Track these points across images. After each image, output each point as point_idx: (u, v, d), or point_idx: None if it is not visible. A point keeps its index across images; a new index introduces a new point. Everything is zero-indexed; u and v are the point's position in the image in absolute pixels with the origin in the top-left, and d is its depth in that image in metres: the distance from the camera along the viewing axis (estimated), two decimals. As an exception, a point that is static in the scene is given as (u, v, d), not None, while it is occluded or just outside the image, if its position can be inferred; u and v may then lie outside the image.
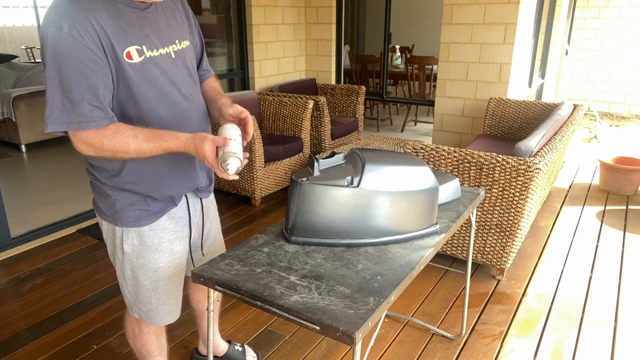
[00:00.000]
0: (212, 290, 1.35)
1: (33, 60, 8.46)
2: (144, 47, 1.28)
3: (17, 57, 7.68)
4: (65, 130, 1.21)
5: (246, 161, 1.31)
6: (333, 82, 5.30)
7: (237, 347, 2.09)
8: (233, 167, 1.25)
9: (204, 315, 1.93)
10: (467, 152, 2.55)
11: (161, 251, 1.48)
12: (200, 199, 1.59)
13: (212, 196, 1.69)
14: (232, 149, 1.26)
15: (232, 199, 3.98)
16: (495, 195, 2.54)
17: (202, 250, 1.68)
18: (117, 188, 1.40)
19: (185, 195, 1.53)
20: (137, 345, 1.69)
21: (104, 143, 1.23)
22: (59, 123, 1.20)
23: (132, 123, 1.30)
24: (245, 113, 1.45)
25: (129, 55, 1.25)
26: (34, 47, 8.92)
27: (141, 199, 1.42)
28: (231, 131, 1.32)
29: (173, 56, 1.37)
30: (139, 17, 1.29)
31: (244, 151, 1.31)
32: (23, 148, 5.26)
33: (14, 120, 5.03)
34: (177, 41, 1.40)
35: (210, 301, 1.39)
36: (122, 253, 1.47)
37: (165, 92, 1.35)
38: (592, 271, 2.86)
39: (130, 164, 1.36)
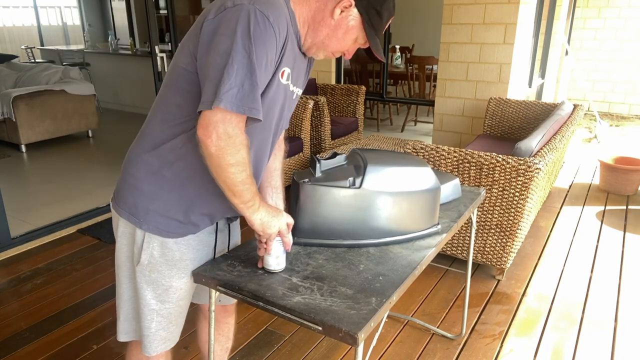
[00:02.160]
0: (213, 291, 1.35)
1: (33, 60, 8.45)
2: (292, 75, 1.28)
3: (17, 57, 7.67)
4: (235, 111, 1.10)
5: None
6: (333, 82, 5.30)
7: None
8: (272, 264, 1.31)
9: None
10: (467, 152, 2.55)
11: (179, 269, 1.35)
12: (229, 223, 1.49)
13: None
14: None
15: (232, 199, 3.97)
16: (495, 195, 2.54)
17: None
18: (159, 186, 1.28)
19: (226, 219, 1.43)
20: None
21: (237, 141, 1.14)
22: (232, 102, 1.09)
23: None
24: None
25: (282, 74, 1.23)
26: (34, 47, 8.91)
27: (180, 207, 1.30)
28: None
29: (294, 97, 1.37)
30: (300, 59, 1.31)
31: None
32: (23, 148, 5.26)
33: (14, 120, 5.03)
34: (300, 87, 1.38)
35: (211, 301, 1.39)
36: (138, 262, 1.34)
37: (275, 119, 1.32)
38: (592, 271, 2.86)
39: (189, 160, 1.25)
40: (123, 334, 1.46)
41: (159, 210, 1.29)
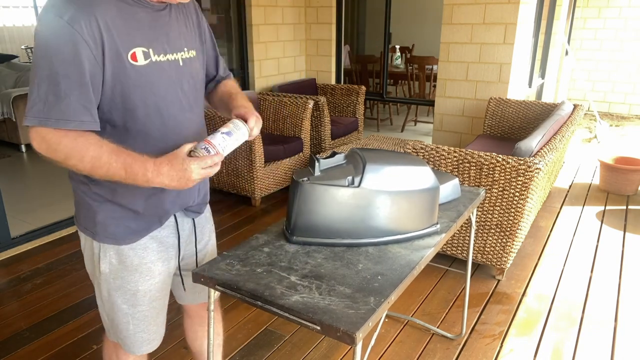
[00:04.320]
0: (212, 290, 1.35)
1: (33, 60, 8.46)
2: (150, 50, 1.18)
3: (17, 57, 7.67)
4: (43, 125, 1.08)
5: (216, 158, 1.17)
6: (333, 82, 5.30)
7: None
8: (199, 152, 1.15)
9: (201, 355, 1.75)
10: (467, 152, 2.55)
11: (141, 273, 1.33)
12: (193, 219, 1.45)
13: (207, 214, 1.54)
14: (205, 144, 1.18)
15: (232, 199, 3.97)
16: (495, 195, 2.54)
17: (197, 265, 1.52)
18: (101, 197, 1.26)
19: (174, 215, 1.38)
20: None
21: (61, 142, 1.09)
22: (38, 117, 1.07)
23: (116, 132, 1.19)
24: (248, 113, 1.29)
25: (134, 57, 1.14)
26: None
27: (125, 214, 1.27)
28: (225, 128, 1.23)
29: (181, 64, 1.27)
30: (151, 18, 1.19)
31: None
32: (23, 148, 5.26)
33: (14, 120, 5.03)
34: (185, 49, 1.29)
35: (210, 301, 1.39)
36: (99, 272, 1.33)
37: (167, 100, 1.23)
38: (592, 271, 2.86)
39: None
40: (113, 336, 1.48)
41: (104, 220, 1.28)
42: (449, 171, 2.62)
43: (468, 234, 2.71)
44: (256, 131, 1.30)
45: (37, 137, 1.10)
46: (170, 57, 1.24)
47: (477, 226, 2.66)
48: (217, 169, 1.18)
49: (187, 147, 1.16)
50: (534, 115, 3.96)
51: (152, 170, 1.13)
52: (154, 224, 1.33)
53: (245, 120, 1.28)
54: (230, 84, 1.50)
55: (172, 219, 1.38)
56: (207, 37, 1.42)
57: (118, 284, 1.34)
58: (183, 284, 1.52)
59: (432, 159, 2.64)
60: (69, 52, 1.06)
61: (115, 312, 1.38)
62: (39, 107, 1.07)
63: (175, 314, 2.45)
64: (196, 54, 1.33)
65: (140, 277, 1.34)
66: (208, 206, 1.54)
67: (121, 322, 1.39)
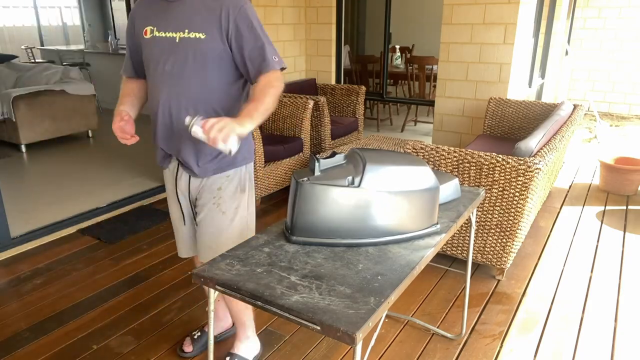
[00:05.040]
0: (212, 290, 1.35)
1: (33, 60, 8.44)
2: (155, 28, 1.65)
3: (17, 57, 7.66)
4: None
5: None
6: (333, 82, 5.30)
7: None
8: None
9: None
10: (467, 152, 2.55)
11: (168, 194, 1.91)
12: (189, 176, 1.79)
13: (215, 191, 1.79)
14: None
15: (232, 199, 3.97)
16: (495, 195, 2.54)
17: (195, 220, 1.88)
18: None
19: (179, 163, 1.78)
20: None
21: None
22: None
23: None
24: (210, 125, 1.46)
25: (145, 33, 1.67)
26: (34, 47, 8.91)
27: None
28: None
29: (177, 40, 1.63)
30: (164, 7, 1.65)
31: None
32: (23, 148, 5.26)
33: (14, 120, 5.03)
34: (186, 30, 1.61)
35: (210, 301, 1.39)
36: None
37: (155, 64, 1.67)
38: (592, 271, 2.86)
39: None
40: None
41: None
42: (449, 171, 2.62)
43: (468, 234, 2.71)
44: (216, 135, 1.42)
45: None
46: (167, 34, 1.64)
47: (477, 226, 2.66)
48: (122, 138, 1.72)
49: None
50: (534, 115, 3.96)
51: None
52: (164, 158, 1.81)
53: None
54: (258, 88, 1.62)
55: (176, 166, 1.80)
56: (241, 29, 1.62)
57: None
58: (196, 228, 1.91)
59: (432, 159, 2.64)
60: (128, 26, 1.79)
61: None
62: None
63: (176, 314, 2.45)
64: (205, 37, 1.62)
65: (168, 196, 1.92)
66: (219, 193, 1.79)
67: None
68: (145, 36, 1.67)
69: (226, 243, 1.77)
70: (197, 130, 1.44)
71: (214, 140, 1.40)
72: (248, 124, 1.48)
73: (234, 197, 1.81)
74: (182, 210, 1.89)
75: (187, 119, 1.46)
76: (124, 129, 1.70)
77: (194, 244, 1.93)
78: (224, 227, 1.81)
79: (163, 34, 1.64)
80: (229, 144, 1.42)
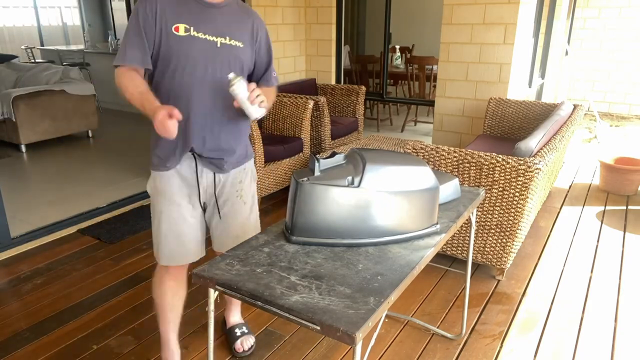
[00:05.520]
0: (212, 290, 1.35)
1: (33, 60, 8.44)
2: (192, 27, 1.65)
3: (17, 57, 7.67)
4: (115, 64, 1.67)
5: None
6: (333, 82, 5.30)
7: (237, 331, 2.21)
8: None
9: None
10: (467, 152, 2.55)
11: (163, 197, 1.80)
12: (214, 173, 1.82)
13: (237, 184, 1.89)
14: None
15: (232, 199, 3.97)
16: (495, 195, 2.54)
17: (219, 215, 1.90)
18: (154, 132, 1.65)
19: (195, 160, 1.77)
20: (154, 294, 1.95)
21: (120, 75, 1.65)
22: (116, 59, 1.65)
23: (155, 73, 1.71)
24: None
25: (176, 29, 1.64)
26: (34, 47, 8.91)
27: (153, 145, 1.77)
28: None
29: (218, 45, 1.68)
30: (200, 9, 1.67)
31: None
32: (23, 148, 5.26)
33: (14, 120, 5.03)
34: (227, 37, 1.69)
35: (210, 301, 1.39)
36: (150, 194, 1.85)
37: (192, 65, 1.66)
38: (592, 271, 2.86)
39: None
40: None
41: (152, 149, 1.79)
42: (449, 171, 2.62)
43: (468, 234, 2.71)
44: (258, 98, 1.59)
45: (116, 74, 1.69)
46: (208, 37, 1.67)
47: (477, 226, 2.66)
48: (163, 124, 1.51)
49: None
50: (534, 116, 3.96)
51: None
52: (170, 161, 1.75)
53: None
54: (269, 90, 1.83)
55: (193, 163, 1.78)
56: (263, 46, 1.83)
57: (153, 202, 1.83)
58: (211, 225, 1.93)
59: (432, 159, 2.64)
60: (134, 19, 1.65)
61: (154, 226, 1.86)
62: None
63: (175, 314, 2.45)
64: (243, 46, 1.74)
65: (162, 200, 1.81)
66: (241, 185, 1.90)
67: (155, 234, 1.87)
68: (176, 32, 1.63)
69: (249, 230, 1.93)
70: (241, 87, 1.55)
71: (254, 99, 1.57)
72: (269, 104, 1.69)
73: (250, 187, 1.97)
74: (182, 212, 1.81)
75: (232, 75, 1.56)
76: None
77: (201, 243, 1.92)
78: (245, 215, 1.95)
79: (202, 36, 1.66)
80: (262, 111, 1.62)
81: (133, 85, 1.62)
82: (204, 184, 1.83)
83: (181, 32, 1.64)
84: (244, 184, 1.93)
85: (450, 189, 1.82)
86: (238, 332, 2.21)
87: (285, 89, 4.76)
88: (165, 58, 1.66)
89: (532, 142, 2.67)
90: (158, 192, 1.80)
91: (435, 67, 5.75)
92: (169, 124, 1.48)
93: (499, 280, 2.75)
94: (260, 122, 4.34)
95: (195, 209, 1.84)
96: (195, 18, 1.65)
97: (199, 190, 1.82)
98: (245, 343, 2.17)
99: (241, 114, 1.67)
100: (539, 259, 3.01)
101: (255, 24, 1.79)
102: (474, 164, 2.53)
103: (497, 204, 2.56)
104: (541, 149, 2.66)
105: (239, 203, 1.92)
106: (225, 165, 1.83)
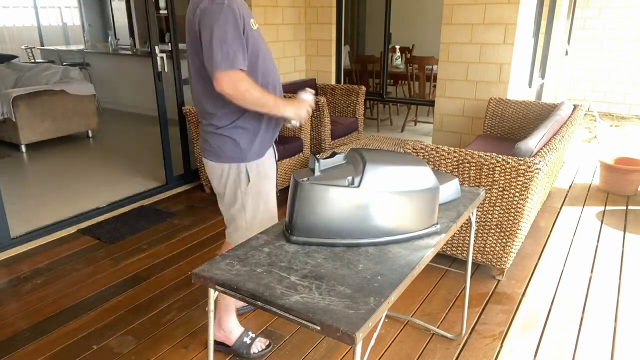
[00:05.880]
0: (212, 290, 1.35)
1: (33, 60, 8.44)
2: (252, 21, 1.80)
3: (17, 57, 7.67)
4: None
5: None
6: (333, 82, 5.30)
7: (246, 339, 2.16)
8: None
9: None
10: (467, 152, 2.55)
11: (270, 175, 2.03)
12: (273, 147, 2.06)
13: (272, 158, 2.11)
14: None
15: (232, 199, 3.97)
16: (495, 195, 2.54)
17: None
18: (239, 128, 1.86)
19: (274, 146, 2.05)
20: None
21: (244, 78, 1.73)
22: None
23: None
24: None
25: (252, 24, 1.79)
26: (34, 47, 8.91)
27: (256, 136, 1.91)
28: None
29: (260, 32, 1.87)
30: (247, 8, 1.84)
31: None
32: (23, 148, 5.26)
33: (14, 120, 5.03)
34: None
35: (210, 301, 1.39)
36: (246, 185, 1.95)
37: (264, 54, 1.84)
38: (592, 271, 2.86)
39: (243, 113, 1.85)
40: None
41: (246, 146, 1.92)
42: (449, 171, 2.62)
43: (468, 234, 2.71)
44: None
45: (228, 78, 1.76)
46: (256, 27, 1.84)
47: (477, 226, 2.66)
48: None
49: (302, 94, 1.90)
50: (534, 116, 3.96)
51: (284, 105, 1.84)
52: (269, 141, 1.96)
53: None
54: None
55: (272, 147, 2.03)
56: None
57: (255, 190, 1.97)
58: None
59: (432, 159, 2.64)
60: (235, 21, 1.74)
61: (256, 214, 2.03)
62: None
63: (176, 314, 2.45)
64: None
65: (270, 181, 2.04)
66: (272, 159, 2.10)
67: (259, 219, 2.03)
68: (253, 28, 1.79)
69: None
70: (309, 97, 1.90)
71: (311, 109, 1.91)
72: None
73: None
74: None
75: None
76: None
77: None
78: None
79: (257, 27, 1.84)
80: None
81: (259, 86, 1.77)
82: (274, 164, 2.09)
83: (255, 27, 1.81)
84: None
85: (450, 189, 1.81)
86: (248, 340, 2.18)
87: (285, 89, 4.74)
88: (254, 54, 1.79)
89: (532, 142, 2.67)
90: (264, 176, 1.99)
91: (435, 67, 5.74)
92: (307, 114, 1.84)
93: (499, 280, 2.75)
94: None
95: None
96: (248, 11, 1.81)
97: (276, 163, 2.09)
98: (259, 344, 2.19)
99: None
100: (539, 259, 3.01)
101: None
102: (474, 164, 2.53)
103: (497, 204, 2.56)
104: (541, 149, 2.66)
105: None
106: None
